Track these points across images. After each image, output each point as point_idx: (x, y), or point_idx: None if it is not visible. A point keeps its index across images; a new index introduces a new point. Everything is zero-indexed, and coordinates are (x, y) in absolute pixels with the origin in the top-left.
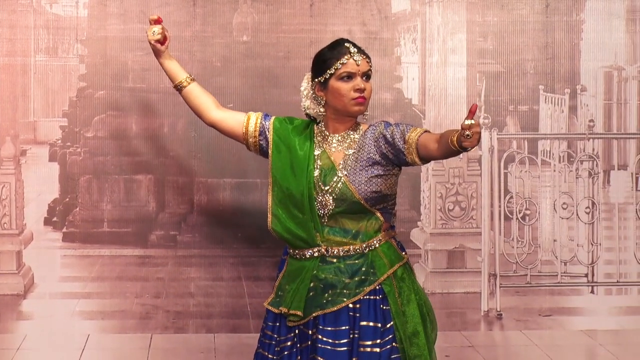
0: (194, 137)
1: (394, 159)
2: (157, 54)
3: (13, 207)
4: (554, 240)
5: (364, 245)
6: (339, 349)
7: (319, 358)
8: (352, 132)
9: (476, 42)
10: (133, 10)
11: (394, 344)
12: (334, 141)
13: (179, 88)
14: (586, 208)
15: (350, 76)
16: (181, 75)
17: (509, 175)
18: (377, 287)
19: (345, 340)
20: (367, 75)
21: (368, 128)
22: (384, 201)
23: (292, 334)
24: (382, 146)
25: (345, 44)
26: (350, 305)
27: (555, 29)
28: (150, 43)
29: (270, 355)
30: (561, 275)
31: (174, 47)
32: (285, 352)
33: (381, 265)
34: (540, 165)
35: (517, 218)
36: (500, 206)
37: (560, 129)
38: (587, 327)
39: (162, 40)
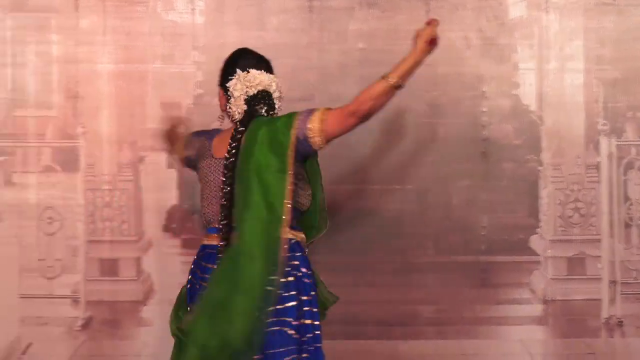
0: None
1: None
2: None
3: (132, 214)
4: None
5: None
6: None
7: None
8: None
9: (593, 48)
10: (249, 17)
11: None
12: None
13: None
14: None
15: None
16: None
17: (629, 182)
18: None
19: None
20: None
21: None
22: None
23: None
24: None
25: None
26: None
27: None
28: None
29: None
30: None
31: (291, 54)
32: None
33: None
34: None
35: (637, 225)
36: (619, 213)
37: None
38: None
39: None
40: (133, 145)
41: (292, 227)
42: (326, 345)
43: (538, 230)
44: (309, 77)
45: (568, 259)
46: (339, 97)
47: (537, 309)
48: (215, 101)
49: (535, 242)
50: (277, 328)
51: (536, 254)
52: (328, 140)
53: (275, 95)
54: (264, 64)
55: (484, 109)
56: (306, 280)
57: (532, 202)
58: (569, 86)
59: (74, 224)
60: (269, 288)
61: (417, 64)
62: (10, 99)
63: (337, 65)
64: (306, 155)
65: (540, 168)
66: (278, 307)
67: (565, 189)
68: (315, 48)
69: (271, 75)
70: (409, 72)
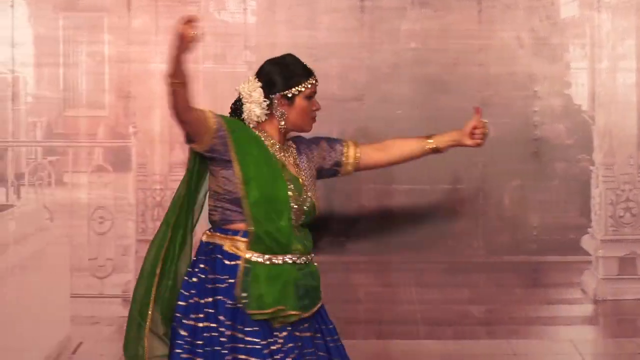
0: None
1: (325, 171)
2: (186, 50)
3: None
4: None
5: (311, 256)
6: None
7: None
8: (290, 145)
9: None
10: (301, 16)
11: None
12: (278, 150)
13: (181, 82)
14: None
15: (311, 96)
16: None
17: None
18: None
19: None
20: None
21: (294, 142)
22: None
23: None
24: (318, 160)
25: (304, 64)
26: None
27: None
28: (184, 40)
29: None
30: None
31: (343, 53)
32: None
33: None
34: None
35: None
36: None
37: None
38: None
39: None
40: (184, 145)
41: None
42: (377, 344)
43: (589, 230)
44: (360, 77)
45: (619, 258)
46: (390, 97)
47: (587, 309)
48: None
49: (586, 242)
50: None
51: (587, 254)
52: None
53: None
54: None
55: (536, 109)
56: None
57: (584, 202)
58: (621, 85)
59: (125, 223)
60: None
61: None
62: (62, 99)
63: (388, 65)
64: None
65: (592, 168)
66: None
67: (617, 189)
68: (366, 48)
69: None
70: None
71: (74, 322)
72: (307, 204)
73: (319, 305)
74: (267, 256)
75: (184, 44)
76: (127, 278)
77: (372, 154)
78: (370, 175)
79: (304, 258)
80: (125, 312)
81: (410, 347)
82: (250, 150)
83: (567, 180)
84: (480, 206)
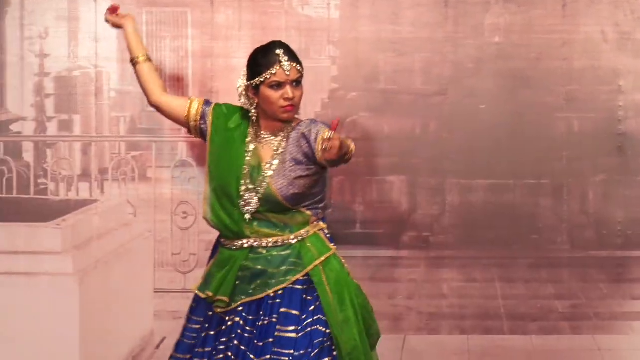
0: (445, 139)
1: (313, 158)
2: (116, 25)
3: None
4: None
5: (292, 237)
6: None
7: (238, 344)
8: (281, 132)
9: None
10: (385, 11)
11: (316, 326)
12: (265, 138)
13: (133, 62)
14: None
15: (279, 85)
16: (139, 50)
17: None
18: (304, 277)
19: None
20: (297, 82)
21: (297, 125)
22: (308, 199)
23: (204, 318)
24: (304, 145)
25: (277, 51)
26: (272, 294)
27: None
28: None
29: (186, 340)
30: None
31: (426, 48)
32: (202, 334)
33: (309, 255)
34: None
35: None
36: None
37: None
38: None
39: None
40: None
41: None
42: (461, 339)
43: None
44: (444, 72)
45: None
46: (474, 91)
47: None
48: (350, 95)
49: None
50: None
51: None
52: None
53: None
54: None
55: (621, 104)
56: None
57: None
58: None
59: None
60: None
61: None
62: None
63: (472, 59)
64: None
65: None
66: None
67: None
68: (450, 42)
69: None
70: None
71: (157, 317)
72: (262, 191)
73: (270, 291)
74: (223, 240)
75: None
76: None
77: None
78: (453, 170)
79: (265, 241)
80: None
81: (494, 343)
82: (215, 139)
83: None
84: (565, 201)
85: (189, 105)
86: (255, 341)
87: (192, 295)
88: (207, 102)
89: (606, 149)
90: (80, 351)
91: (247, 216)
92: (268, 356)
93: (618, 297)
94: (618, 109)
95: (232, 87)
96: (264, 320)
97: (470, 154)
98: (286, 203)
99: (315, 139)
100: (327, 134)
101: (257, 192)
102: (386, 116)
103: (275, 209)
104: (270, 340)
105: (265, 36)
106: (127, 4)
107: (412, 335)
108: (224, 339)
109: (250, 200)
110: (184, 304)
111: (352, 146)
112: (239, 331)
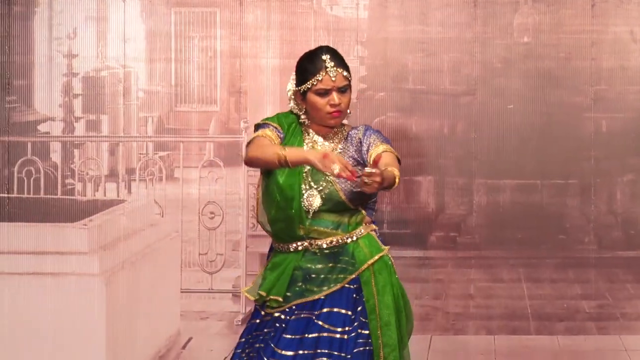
0: (473, 139)
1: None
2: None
3: None
4: None
5: (346, 237)
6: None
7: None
8: (336, 135)
9: None
10: (413, 11)
11: (360, 330)
12: (319, 140)
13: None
14: None
15: (326, 92)
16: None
17: None
18: (355, 277)
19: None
20: (343, 88)
21: (351, 129)
22: (367, 199)
23: (260, 320)
24: (360, 150)
25: (323, 57)
26: (323, 297)
27: None
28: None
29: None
30: None
31: (454, 48)
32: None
33: (362, 255)
34: None
35: None
36: None
37: None
38: None
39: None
40: None
41: None
42: (488, 339)
43: None
44: (472, 72)
45: None
46: (502, 91)
47: None
48: (378, 95)
49: None
50: None
51: None
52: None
53: None
54: None
55: None
56: None
57: None
58: None
59: (235, 218)
60: None
61: (305, 160)
62: (173, 94)
63: (501, 59)
64: None
65: None
66: None
67: None
68: (478, 42)
69: None
70: (298, 161)
71: (184, 317)
72: (326, 190)
73: (324, 292)
74: (277, 245)
75: (321, 168)
76: (237, 273)
77: None
78: (481, 170)
79: (320, 242)
80: (235, 308)
81: (521, 343)
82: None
83: None
84: (592, 201)
85: (271, 140)
86: (298, 335)
87: (217, 295)
88: (265, 125)
89: (634, 148)
90: (107, 351)
91: (308, 215)
92: (311, 351)
93: None
94: None
95: (261, 87)
96: (310, 315)
97: (498, 154)
98: (349, 202)
99: (367, 150)
100: (367, 169)
101: (321, 192)
102: (414, 116)
103: (335, 208)
104: (316, 335)
105: (294, 36)
106: (156, 4)
107: (438, 335)
108: (266, 330)
109: (312, 200)
110: (211, 304)
111: (397, 174)
112: (284, 325)
